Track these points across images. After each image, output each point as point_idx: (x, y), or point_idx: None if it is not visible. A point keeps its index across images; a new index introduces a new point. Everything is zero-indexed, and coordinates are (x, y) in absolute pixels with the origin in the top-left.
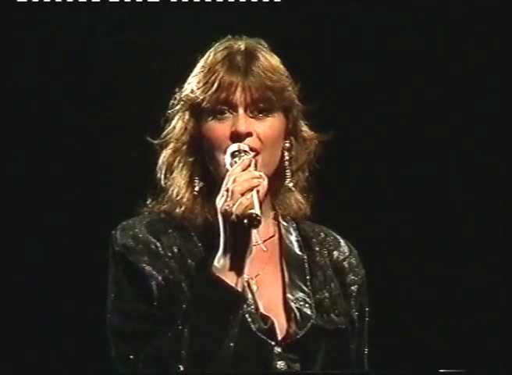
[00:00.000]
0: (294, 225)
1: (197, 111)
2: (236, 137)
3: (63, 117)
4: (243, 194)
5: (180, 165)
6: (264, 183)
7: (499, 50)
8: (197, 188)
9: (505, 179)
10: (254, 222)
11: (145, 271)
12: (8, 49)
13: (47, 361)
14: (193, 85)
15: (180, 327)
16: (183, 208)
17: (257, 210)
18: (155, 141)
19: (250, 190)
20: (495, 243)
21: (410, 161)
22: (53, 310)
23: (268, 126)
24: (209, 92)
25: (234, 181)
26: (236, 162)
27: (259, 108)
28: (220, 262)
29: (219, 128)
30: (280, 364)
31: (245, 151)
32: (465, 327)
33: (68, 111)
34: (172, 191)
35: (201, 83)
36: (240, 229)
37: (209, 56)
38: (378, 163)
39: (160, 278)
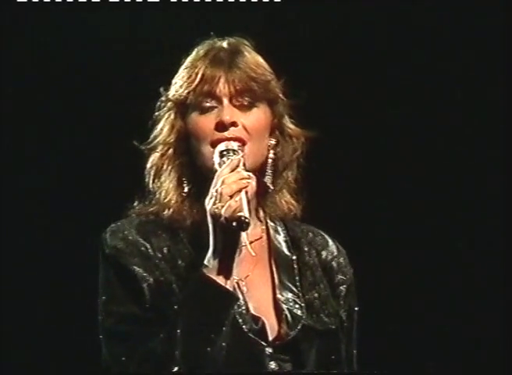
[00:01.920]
0: (282, 225)
1: (183, 108)
2: (222, 126)
3: (62, 117)
4: (231, 196)
5: (169, 168)
6: (253, 184)
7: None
8: (185, 189)
9: (505, 177)
10: (243, 224)
11: (136, 273)
12: (8, 49)
13: (40, 363)
14: (177, 84)
15: (173, 328)
16: (171, 211)
17: (245, 213)
18: (142, 146)
19: (239, 191)
20: (490, 243)
21: (403, 158)
22: (44, 312)
23: (254, 117)
24: (192, 85)
25: (223, 183)
26: (224, 162)
27: (244, 99)
28: (210, 263)
29: (204, 120)
30: (271, 364)
31: (234, 151)
32: (463, 328)
33: (65, 110)
34: (160, 193)
35: (186, 79)
36: (229, 231)
37: (192, 54)
38: (369, 162)
39: (151, 280)
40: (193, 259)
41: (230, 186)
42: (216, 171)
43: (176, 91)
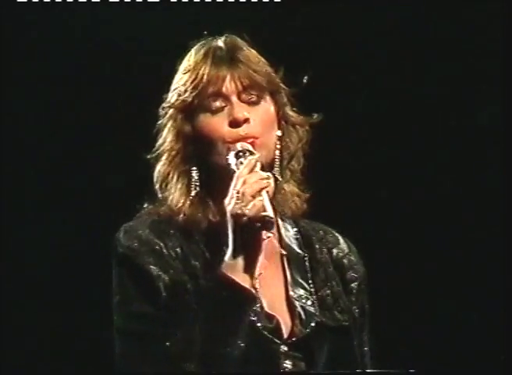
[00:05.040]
0: (293, 223)
1: (189, 112)
2: (235, 124)
3: (63, 118)
4: (253, 196)
5: (176, 175)
6: (272, 183)
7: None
8: (193, 193)
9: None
10: (268, 224)
11: (152, 272)
12: (8, 49)
13: (50, 362)
14: (180, 89)
15: (191, 328)
16: (184, 215)
17: (270, 212)
18: (148, 156)
19: (260, 191)
20: (496, 242)
21: (408, 151)
22: (56, 313)
23: (263, 111)
24: (198, 88)
25: (244, 183)
26: (241, 163)
27: (251, 94)
28: (230, 262)
29: (216, 121)
30: (287, 363)
31: (249, 151)
32: (465, 327)
33: (68, 111)
34: (172, 200)
35: (189, 82)
36: (251, 231)
37: (190, 57)
38: (374, 156)
39: (167, 279)
40: (208, 259)
41: (252, 186)
42: (231, 171)
43: (180, 96)
